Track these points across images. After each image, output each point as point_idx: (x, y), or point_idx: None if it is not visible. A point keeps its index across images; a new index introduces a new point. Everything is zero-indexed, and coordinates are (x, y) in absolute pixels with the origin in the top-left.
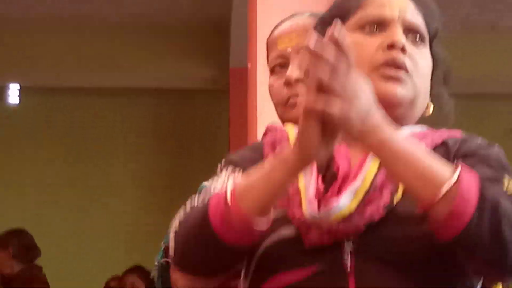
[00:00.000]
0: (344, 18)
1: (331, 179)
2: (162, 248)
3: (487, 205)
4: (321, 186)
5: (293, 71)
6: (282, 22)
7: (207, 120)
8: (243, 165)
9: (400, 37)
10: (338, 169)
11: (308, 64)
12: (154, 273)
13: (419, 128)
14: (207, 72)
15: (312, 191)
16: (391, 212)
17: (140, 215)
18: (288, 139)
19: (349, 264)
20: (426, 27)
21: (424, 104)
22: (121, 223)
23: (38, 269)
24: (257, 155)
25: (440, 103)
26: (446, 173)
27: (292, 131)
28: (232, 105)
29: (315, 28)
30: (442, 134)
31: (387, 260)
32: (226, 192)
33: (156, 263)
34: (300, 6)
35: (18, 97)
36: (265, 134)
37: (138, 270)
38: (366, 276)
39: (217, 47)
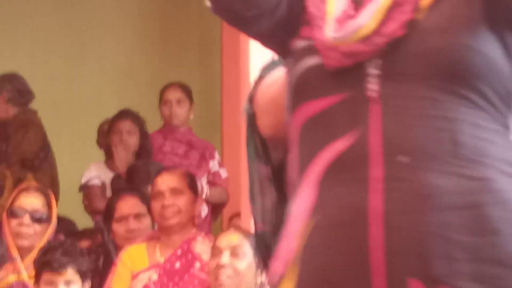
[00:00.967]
0: None
1: (361, 3)
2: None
3: None
4: (351, 10)
5: None
6: None
7: None
8: None
9: None
10: None
11: None
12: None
13: None
14: None
15: (338, 13)
16: (414, 27)
17: (133, 58)
18: None
19: (374, 87)
20: None
21: None
22: (114, 67)
23: (33, 113)
24: None
25: None
26: None
27: None
28: None
29: None
30: None
31: (415, 77)
32: None
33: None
34: None
35: None
36: None
37: (131, 114)
38: (391, 101)
39: None
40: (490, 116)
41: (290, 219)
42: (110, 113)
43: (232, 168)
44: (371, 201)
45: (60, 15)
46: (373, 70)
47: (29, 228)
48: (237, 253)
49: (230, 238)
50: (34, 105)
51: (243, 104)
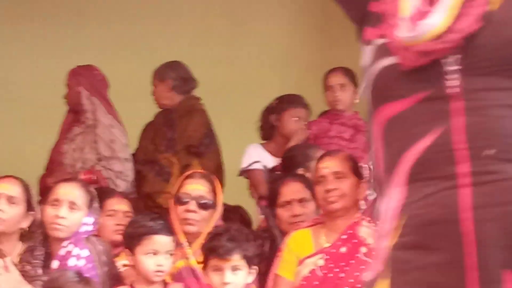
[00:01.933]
0: None
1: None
2: None
3: None
4: (425, 7)
5: None
6: None
7: None
8: None
9: None
10: None
11: None
12: None
13: None
14: None
15: (411, 10)
16: (489, 19)
17: (294, 39)
18: None
19: (454, 83)
20: None
21: None
22: (275, 48)
23: (196, 99)
24: None
25: None
26: None
27: None
28: None
29: None
30: None
31: (493, 69)
32: None
33: None
34: None
35: None
36: None
37: (304, 103)
38: (476, 94)
39: None
40: None
41: (381, 218)
42: (272, 95)
43: None
44: (461, 196)
45: None
46: (451, 66)
47: (196, 214)
48: None
49: None
50: (196, 90)
51: None
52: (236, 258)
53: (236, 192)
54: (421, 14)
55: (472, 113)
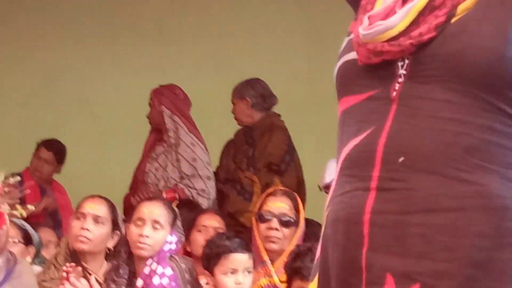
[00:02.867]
0: None
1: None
2: None
3: None
4: (396, 5)
5: None
6: None
7: None
8: None
9: None
10: None
11: None
12: None
13: None
14: None
15: (382, 9)
16: (445, 31)
17: None
18: None
19: (396, 87)
20: None
21: None
22: None
23: (277, 116)
24: None
25: None
26: None
27: None
28: None
29: None
30: None
31: (436, 79)
32: None
33: None
34: None
35: None
36: None
37: None
38: (410, 101)
39: None
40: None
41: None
42: None
43: None
44: (368, 199)
45: (299, 13)
46: (400, 70)
47: (278, 232)
48: None
49: None
50: (277, 107)
51: None
52: None
53: (317, 208)
54: (385, 14)
55: (400, 119)
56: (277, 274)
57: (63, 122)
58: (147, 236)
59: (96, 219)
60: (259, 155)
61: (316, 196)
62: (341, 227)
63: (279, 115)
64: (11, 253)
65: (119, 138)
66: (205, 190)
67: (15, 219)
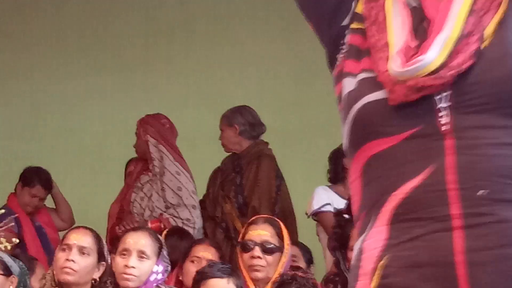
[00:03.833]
0: None
1: (423, 34)
2: None
3: None
4: (412, 42)
5: None
6: None
7: None
8: None
9: None
10: (430, 23)
11: None
12: None
13: None
14: None
15: (400, 45)
16: (482, 57)
17: None
18: None
19: (446, 120)
20: None
21: None
22: None
23: (265, 144)
24: None
25: None
26: None
27: None
28: None
29: None
30: None
31: (485, 107)
32: None
33: None
34: None
35: None
36: None
37: None
38: (466, 133)
39: None
40: None
41: (362, 257)
42: (340, 139)
43: None
44: (455, 239)
45: (287, 41)
46: (442, 103)
47: (261, 260)
48: None
49: None
50: (265, 135)
51: None
52: None
53: (306, 235)
54: (412, 50)
55: (463, 152)
56: None
57: (50, 153)
58: (133, 267)
59: (82, 250)
60: (247, 183)
61: (304, 224)
62: (424, 272)
63: (267, 143)
64: None
65: (106, 169)
66: (190, 220)
67: None
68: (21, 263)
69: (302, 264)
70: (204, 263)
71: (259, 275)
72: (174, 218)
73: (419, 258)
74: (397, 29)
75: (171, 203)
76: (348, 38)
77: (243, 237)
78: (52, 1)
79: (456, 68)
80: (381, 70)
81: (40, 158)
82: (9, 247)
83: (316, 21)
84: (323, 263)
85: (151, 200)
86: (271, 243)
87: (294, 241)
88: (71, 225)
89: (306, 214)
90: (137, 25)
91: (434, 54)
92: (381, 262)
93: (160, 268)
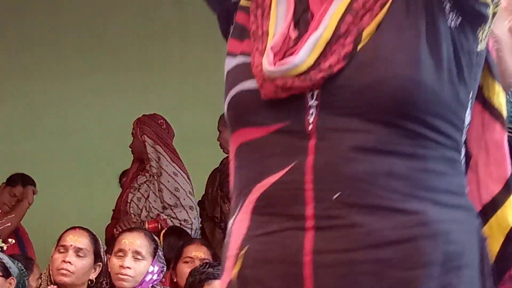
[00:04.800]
0: None
1: (304, 26)
2: None
3: None
4: (292, 33)
5: None
6: None
7: None
8: None
9: None
10: (311, 16)
11: None
12: None
13: None
14: None
15: (278, 38)
16: (354, 60)
17: None
18: None
19: (311, 120)
20: None
21: None
22: None
23: None
24: None
25: None
26: None
27: None
28: None
29: None
30: None
31: (352, 110)
32: None
33: None
34: None
35: None
36: None
37: None
38: (330, 134)
39: None
40: (435, 144)
41: (230, 240)
42: None
43: None
44: (306, 239)
45: None
46: (313, 101)
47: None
48: None
49: None
50: None
51: None
52: None
53: None
54: (289, 42)
55: (323, 153)
56: None
57: (46, 153)
58: (129, 267)
59: (78, 251)
60: None
61: None
62: (274, 269)
63: None
64: None
65: (102, 169)
66: (187, 220)
67: None
68: (19, 264)
69: None
70: (197, 263)
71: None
72: (171, 218)
73: (270, 254)
74: (279, 18)
75: (168, 204)
76: (236, 16)
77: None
78: (49, 2)
79: (326, 71)
80: (255, 63)
81: (36, 159)
82: (5, 248)
83: None
84: None
85: (148, 201)
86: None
87: None
88: None
89: None
90: (133, 26)
91: (305, 55)
92: (242, 252)
93: (155, 268)
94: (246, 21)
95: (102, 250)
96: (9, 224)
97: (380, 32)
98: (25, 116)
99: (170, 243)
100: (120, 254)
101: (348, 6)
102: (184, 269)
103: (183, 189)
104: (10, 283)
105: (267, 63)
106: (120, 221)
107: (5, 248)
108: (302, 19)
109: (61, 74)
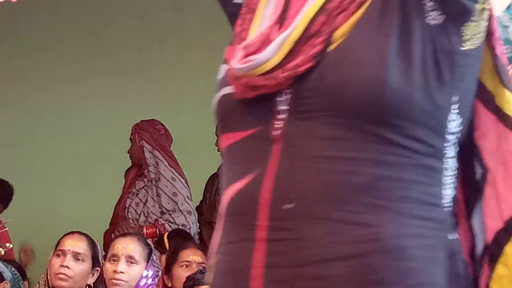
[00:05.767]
0: None
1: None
2: None
3: None
4: (274, 34)
5: None
6: None
7: None
8: None
9: None
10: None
11: None
12: None
13: None
14: None
15: (256, 37)
16: (324, 60)
17: None
18: None
19: (279, 125)
20: None
21: None
22: None
23: None
24: None
25: None
26: None
27: None
28: None
29: None
30: None
31: (319, 114)
32: None
33: None
34: None
35: None
36: None
37: None
38: (295, 140)
39: None
40: (407, 150)
41: (212, 242)
42: None
43: None
44: (256, 251)
45: None
46: (281, 106)
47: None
48: None
49: None
50: None
51: None
52: None
53: None
54: (260, 43)
55: (286, 161)
56: None
57: (44, 158)
58: (122, 272)
59: (76, 256)
60: None
61: None
62: (227, 281)
63: None
64: None
65: (100, 174)
66: (185, 225)
67: None
68: (13, 268)
69: None
70: (194, 267)
71: None
72: (170, 223)
73: (226, 266)
74: (265, 20)
75: (166, 209)
76: (236, 22)
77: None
78: (46, 7)
79: (292, 70)
80: (230, 63)
81: (34, 163)
82: (2, 253)
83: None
84: None
85: (146, 206)
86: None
87: None
88: None
89: None
90: (131, 31)
91: (270, 53)
92: (215, 260)
93: (150, 272)
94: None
95: (100, 255)
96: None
97: (353, 33)
98: (23, 121)
99: (177, 244)
100: (114, 259)
101: (322, 6)
102: (181, 273)
103: (181, 194)
104: (4, 287)
105: (236, 61)
106: (118, 226)
107: (2, 253)
108: (284, 18)
109: (59, 79)
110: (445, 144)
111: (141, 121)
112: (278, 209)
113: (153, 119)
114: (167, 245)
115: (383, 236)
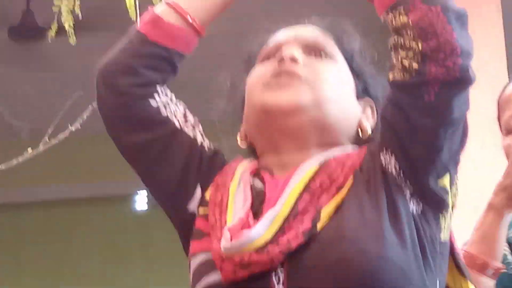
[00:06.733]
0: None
1: (261, 214)
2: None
3: None
4: (251, 220)
5: None
6: None
7: None
8: None
9: (289, 51)
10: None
11: None
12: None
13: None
14: None
15: (236, 222)
16: (313, 238)
17: None
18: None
19: None
20: (339, 47)
21: (346, 115)
22: None
23: None
24: None
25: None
26: None
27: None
28: None
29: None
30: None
31: None
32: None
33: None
34: None
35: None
36: None
37: None
38: None
39: None
40: None
41: None
42: None
43: None
44: None
45: None
46: (277, 283)
47: None
48: None
49: None
50: None
51: None
52: None
53: None
54: (242, 226)
55: None
56: None
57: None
58: None
59: None
60: None
61: None
62: None
63: None
64: None
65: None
66: None
67: None
68: None
69: None
70: None
71: None
72: None
73: None
74: (237, 209)
75: None
76: (195, 223)
77: None
78: None
79: (285, 245)
80: (215, 248)
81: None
82: None
83: (163, 204)
84: None
85: None
86: None
87: None
88: None
89: None
90: None
91: (262, 229)
92: None
93: None
94: (204, 226)
95: None
96: None
97: (341, 212)
98: None
99: None
100: None
101: (306, 185)
102: None
103: None
104: None
105: (224, 241)
106: None
107: None
108: (259, 209)
109: None
110: None
111: None
112: None
113: None
114: None
115: None
